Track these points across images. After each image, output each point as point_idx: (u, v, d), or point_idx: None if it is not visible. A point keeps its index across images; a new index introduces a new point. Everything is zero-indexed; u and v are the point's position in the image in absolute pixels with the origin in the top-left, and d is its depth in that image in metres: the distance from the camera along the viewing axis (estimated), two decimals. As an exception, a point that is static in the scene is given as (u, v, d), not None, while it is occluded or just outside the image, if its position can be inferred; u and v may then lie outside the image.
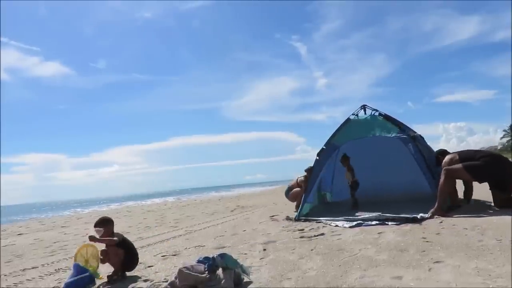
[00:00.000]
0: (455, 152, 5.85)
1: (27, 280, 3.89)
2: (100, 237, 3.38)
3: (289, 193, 7.94)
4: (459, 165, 5.45)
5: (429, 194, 5.92)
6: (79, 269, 3.22)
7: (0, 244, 7.31)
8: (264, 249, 4.14)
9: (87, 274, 3.20)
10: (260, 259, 3.71)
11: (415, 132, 6.42)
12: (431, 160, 6.20)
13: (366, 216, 5.35)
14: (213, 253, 3.07)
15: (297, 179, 7.73)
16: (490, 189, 5.61)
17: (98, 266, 3.42)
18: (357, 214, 5.89)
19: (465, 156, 5.62)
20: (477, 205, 5.91)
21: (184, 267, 2.93)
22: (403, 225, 4.80)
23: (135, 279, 3.41)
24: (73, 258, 3.40)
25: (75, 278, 3.14)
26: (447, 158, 5.74)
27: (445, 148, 6.30)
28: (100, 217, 3.62)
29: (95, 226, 3.47)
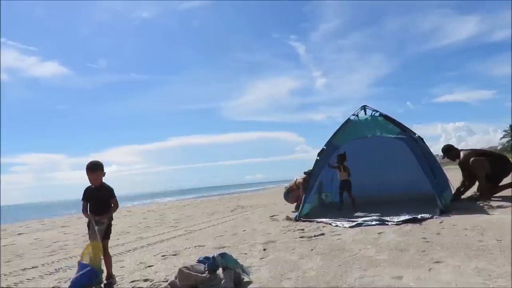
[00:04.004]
0: (470, 150, 7.08)
1: (27, 279, 3.89)
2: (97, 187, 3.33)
3: (289, 195, 7.97)
4: (483, 158, 6.66)
5: (429, 194, 5.93)
6: (82, 266, 3.20)
7: (0, 243, 7.30)
8: (264, 249, 4.14)
9: (88, 268, 3.16)
10: (260, 259, 3.71)
11: (415, 134, 6.45)
12: (432, 160, 6.23)
13: (367, 218, 5.35)
14: (213, 253, 3.07)
15: (296, 181, 7.75)
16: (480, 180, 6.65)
17: (100, 262, 3.29)
18: (357, 214, 5.90)
19: (480, 152, 6.99)
20: (476, 204, 5.92)
21: (184, 267, 2.93)
22: (403, 225, 4.80)
23: (135, 279, 3.41)
24: (80, 257, 3.26)
25: (78, 274, 3.13)
26: (466, 153, 6.90)
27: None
28: (91, 162, 3.35)
29: (91, 170, 3.28)
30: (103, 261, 3.36)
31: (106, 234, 3.37)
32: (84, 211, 3.37)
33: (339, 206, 6.81)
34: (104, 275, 3.35)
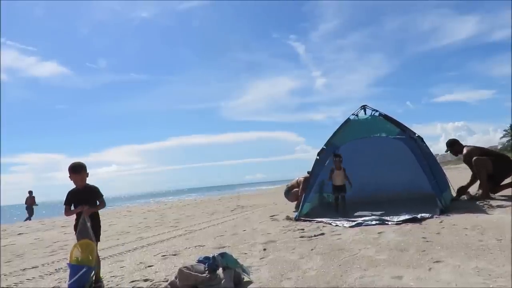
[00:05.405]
0: (473, 146, 7.15)
1: (27, 279, 3.89)
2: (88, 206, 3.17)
3: (289, 193, 7.98)
4: (485, 157, 6.67)
5: (429, 194, 5.93)
6: (74, 269, 3.14)
7: (0, 244, 7.30)
8: (264, 249, 4.14)
9: (84, 270, 3.12)
10: (260, 259, 3.71)
11: (415, 134, 6.46)
12: (432, 160, 6.23)
13: (367, 218, 5.35)
14: (213, 253, 3.07)
15: (297, 180, 7.75)
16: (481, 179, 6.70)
17: (94, 259, 3.15)
18: (357, 214, 5.90)
19: (484, 151, 7.02)
20: (476, 204, 5.92)
21: (184, 267, 2.94)
22: (403, 225, 4.80)
23: (135, 278, 3.41)
24: (68, 258, 3.19)
25: (75, 278, 3.11)
26: (469, 149, 6.94)
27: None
28: (74, 163, 3.22)
29: (74, 171, 3.16)
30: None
31: (95, 236, 3.21)
32: (69, 211, 3.20)
33: (334, 208, 6.76)
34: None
